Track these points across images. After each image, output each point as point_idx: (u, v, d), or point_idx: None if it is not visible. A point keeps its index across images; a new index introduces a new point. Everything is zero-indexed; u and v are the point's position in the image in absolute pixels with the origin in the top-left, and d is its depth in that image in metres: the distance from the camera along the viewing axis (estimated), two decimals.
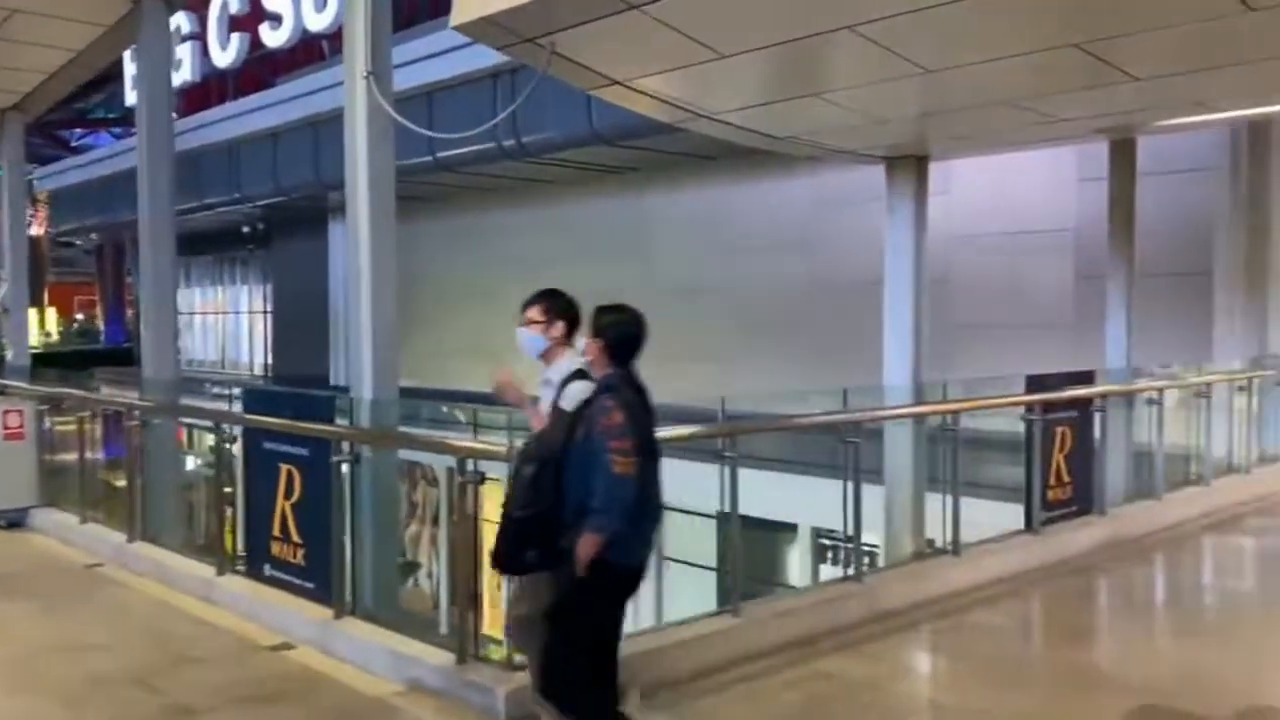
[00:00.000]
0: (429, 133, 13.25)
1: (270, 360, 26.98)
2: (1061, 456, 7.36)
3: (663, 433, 5.16)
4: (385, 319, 6.41)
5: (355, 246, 6.44)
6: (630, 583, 3.79)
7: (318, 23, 20.24)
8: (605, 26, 5.72)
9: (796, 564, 15.24)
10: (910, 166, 9.48)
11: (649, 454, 3.77)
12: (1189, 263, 11.68)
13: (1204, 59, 6.53)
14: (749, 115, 7.90)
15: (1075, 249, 12.78)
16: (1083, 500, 7.56)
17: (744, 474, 5.49)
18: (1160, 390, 8.51)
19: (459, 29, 6.04)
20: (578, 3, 5.52)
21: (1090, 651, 5.58)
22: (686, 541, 13.94)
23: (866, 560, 6.60)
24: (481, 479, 4.65)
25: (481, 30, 6.05)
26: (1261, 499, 9.23)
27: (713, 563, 12.20)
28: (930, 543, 7.90)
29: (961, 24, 5.64)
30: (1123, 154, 9.61)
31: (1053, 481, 7.30)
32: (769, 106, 7.65)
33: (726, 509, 5.49)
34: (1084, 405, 7.62)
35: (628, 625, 3.96)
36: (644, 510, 3.71)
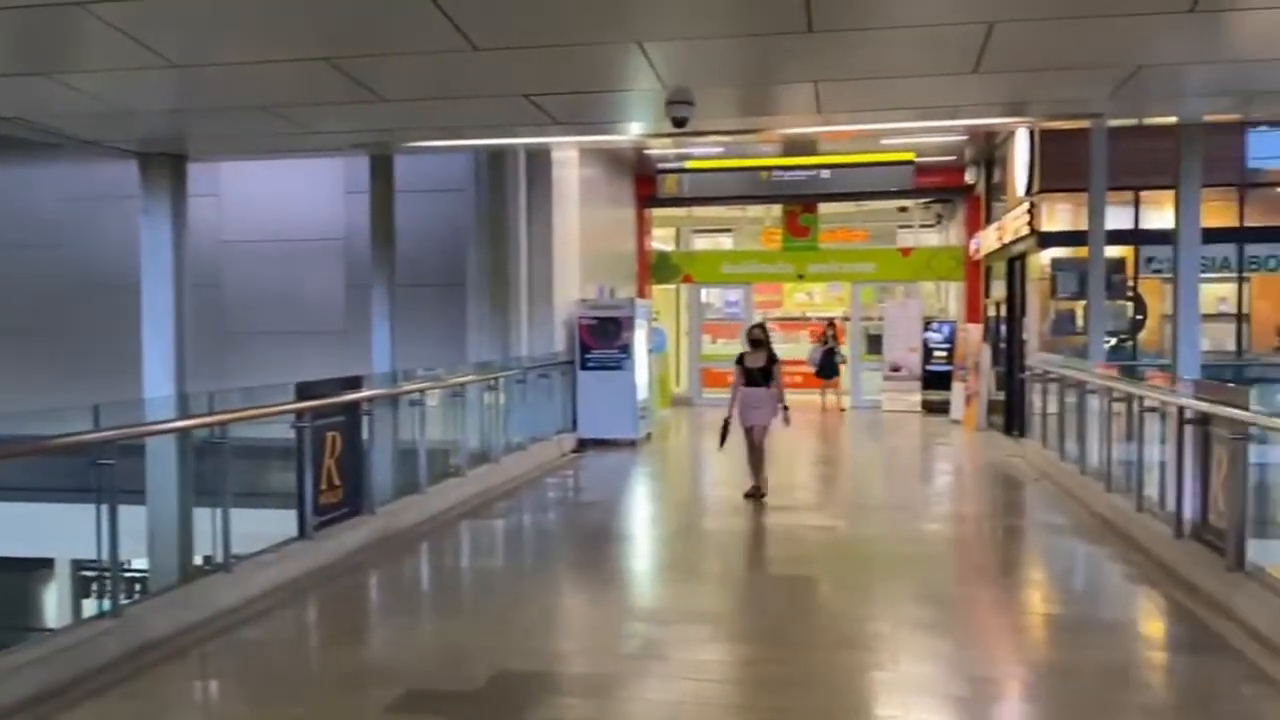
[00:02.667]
0: None
1: None
2: (333, 461, 7.53)
3: None
4: None
5: None
6: None
7: None
8: None
9: (55, 604, 13.50)
10: (166, 164, 8.92)
11: None
12: (447, 274, 12.87)
13: (446, 89, 7.18)
14: None
15: (345, 258, 13.27)
16: (354, 501, 7.82)
17: None
18: (422, 391, 9.14)
19: None
20: None
21: (361, 649, 5.77)
22: None
23: (138, 588, 6.02)
24: None
25: None
26: (508, 483, 10.52)
27: None
28: (208, 560, 7.51)
29: (209, 21, 5.43)
30: (382, 170, 10.19)
31: (325, 486, 7.42)
32: None
33: None
34: (352, 409, 7.89)
35: None
36: None
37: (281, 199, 13.37)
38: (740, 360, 9.63)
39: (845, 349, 18.52)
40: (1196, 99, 8.41)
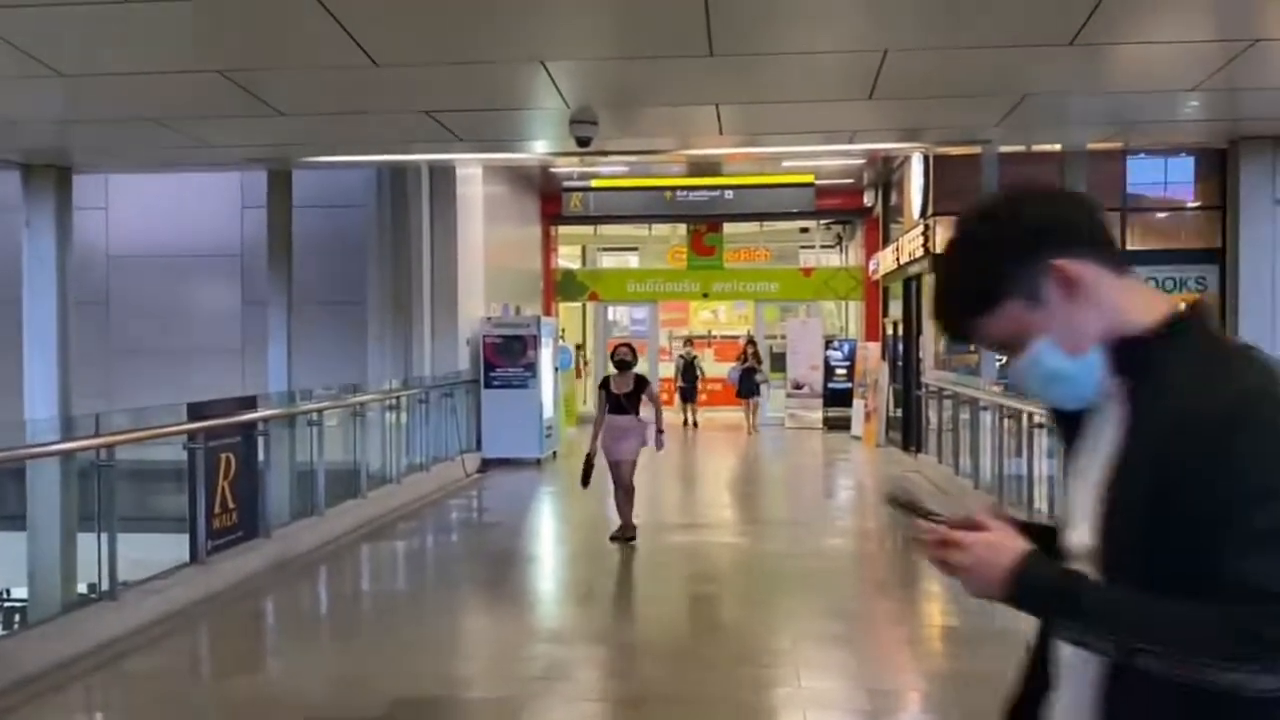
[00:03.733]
0: None
1: None
2: (226, 483, 7.30)
3: None
4: None
5: None
6: None
7: None
8: None
9: None
10: (50, 176, 8.58)
11: None
12: (347, 291, 12.61)
13: (345, 104, 7.08)
14: None
15: (242, 274, 12.92)
16: (248, 524, 7.59)
17: None
18: (320, 411, 8.94)
19: None
20: None
21: (256, 677, 5.60)
22: None
23: (16, 619, 5.72)
24: None
25: None
26: (410, 504, 10.34)
27: None
28: (92, 588, 7.21)
29: (97, 30, 5.25)
30: (280, 185, 9.97)
31: (218, 509, 7.19)
32: None
33: None
34: (247, 430, 7.68)
35: None
36: None
37: (174, 213, 12.95)
38: (604, 385, 8.59)
39: (766, 369, 18.17)
40: (1079, 127, 8.82)
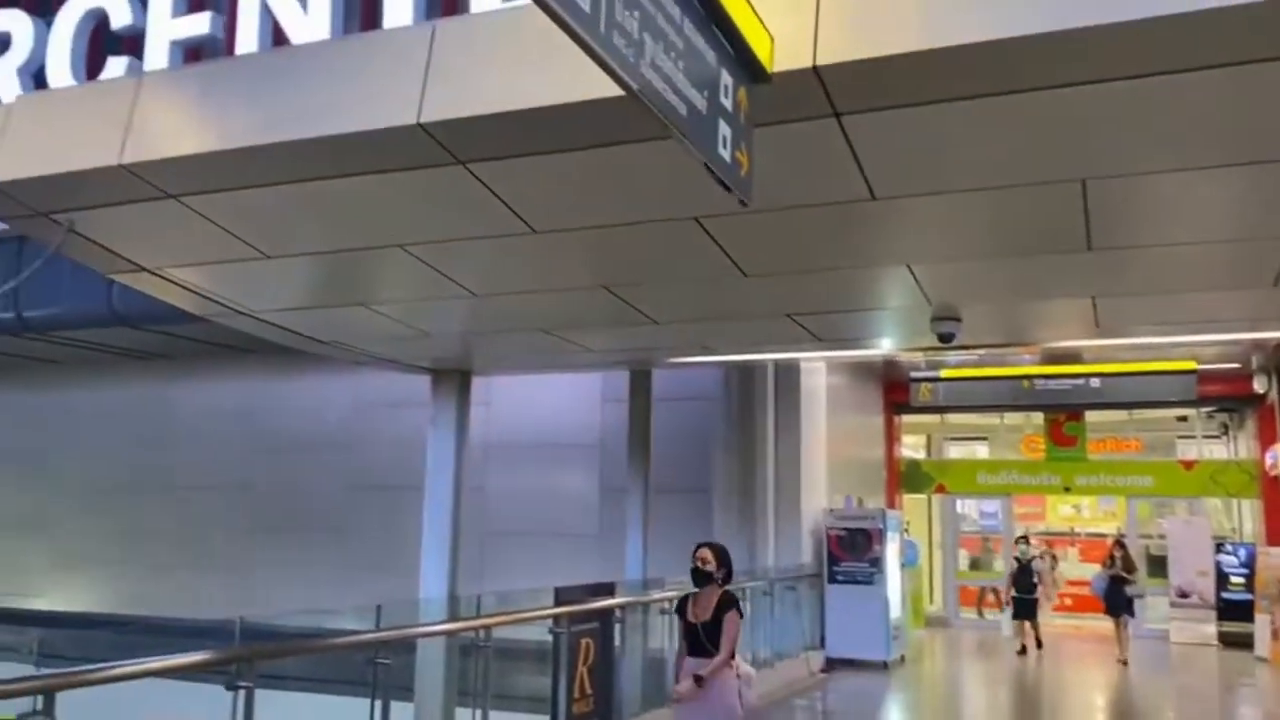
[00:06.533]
0: None
1: None
2: (585, 668, 7.52)
3: (158, 663, 4.52)
4: None
5: None
6: None
7: None
8: (136, 211, 5.29)
9: None
10: (454, 379, 9.69)
11: None
12: (694, 479, 12.97)
13: (712, 311, 7.49)
14: (291, 317, 7.66)
15: (600, 463, 13.71)
16: (603, 710, 7.72)
17: (262, 695, 4.95)
18: (671, 600, 9.05)
19: None
20: (107, 181, 5.06)
21: None
22: None
23: None
24: None
25: None
26: (756, 702, 10.08)
27: None
28: None
29: (505, 257, 5.97)
30: (641, 382, 10.62)
31: (577, 694, 7.40)
32: (313, 310, 7.48)
33: None
34: (605, 616, 7.93)
35: None
36: None
37: (544, 406, 14.10)
38: (681, 610, 5.66)
39: (1139, 578, 14.57)
40: None
